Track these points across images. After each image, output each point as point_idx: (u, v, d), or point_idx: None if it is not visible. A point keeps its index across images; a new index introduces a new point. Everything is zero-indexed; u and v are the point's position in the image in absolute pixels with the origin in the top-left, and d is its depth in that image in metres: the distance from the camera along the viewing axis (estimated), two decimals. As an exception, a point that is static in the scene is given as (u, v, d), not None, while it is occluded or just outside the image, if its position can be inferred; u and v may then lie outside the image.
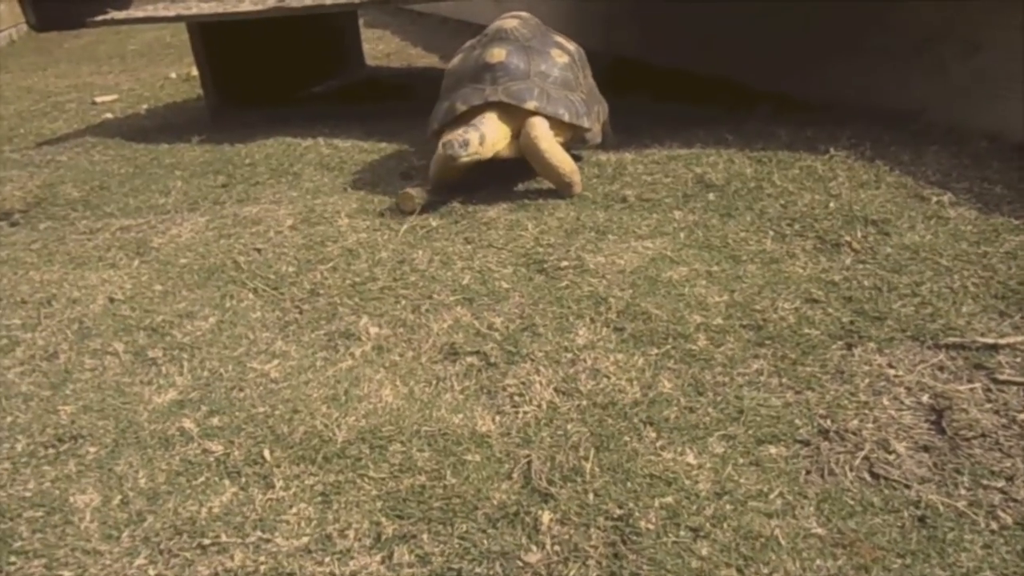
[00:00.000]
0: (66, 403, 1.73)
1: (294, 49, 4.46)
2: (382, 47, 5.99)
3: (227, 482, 1.44)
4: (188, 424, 1.60)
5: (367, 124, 3.62)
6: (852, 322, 1.78)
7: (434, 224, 2.46)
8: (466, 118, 2.57)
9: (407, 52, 5.80)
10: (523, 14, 2.84)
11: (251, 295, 2.14)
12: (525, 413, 1.56)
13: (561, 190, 2.56)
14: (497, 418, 1.56)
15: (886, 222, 2.20)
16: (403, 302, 2.03)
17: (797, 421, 1.51)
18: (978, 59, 2.75)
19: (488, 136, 2.49)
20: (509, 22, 2.76)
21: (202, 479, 1.46)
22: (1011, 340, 1.68)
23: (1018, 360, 1.63)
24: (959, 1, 2.78)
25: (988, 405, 1.52)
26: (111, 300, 2.17)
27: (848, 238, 2.13)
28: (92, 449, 1.57)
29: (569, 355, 1.73)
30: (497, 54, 2.63)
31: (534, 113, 2.55)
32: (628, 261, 2.10)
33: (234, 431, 1.57)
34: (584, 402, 1.58)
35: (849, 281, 1.94)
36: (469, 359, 1.77)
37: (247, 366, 1.80)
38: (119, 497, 1.43)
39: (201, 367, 1.82)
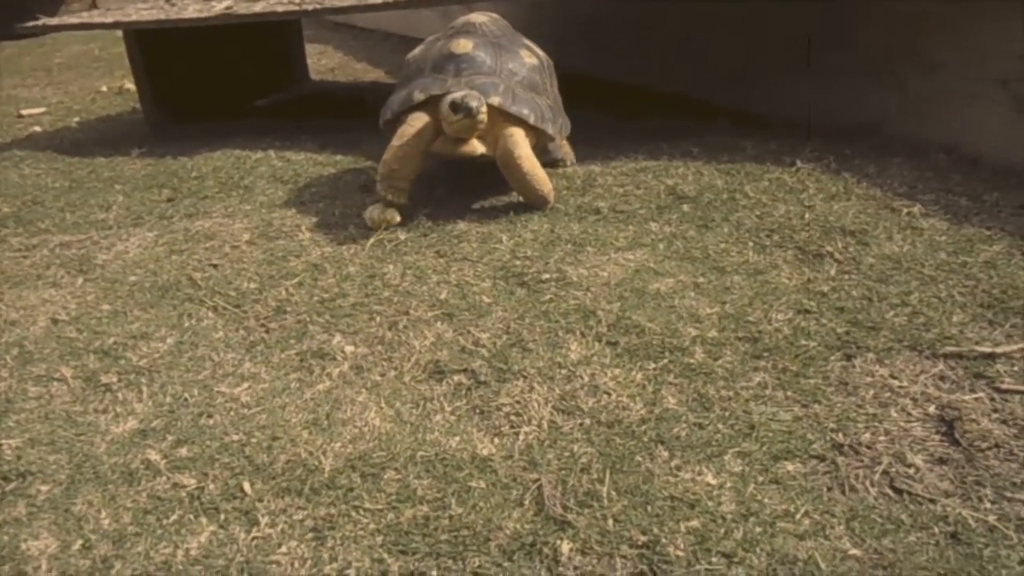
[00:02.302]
0: (10, 436, 1.54)
1: (236, 61, 4.28)
2: (325, 62, 5.82)
3: (204, 520, 1.29)
4: (153, 456, 1.44)
5: (319, 137, 3.47)
6: (847, 332, 1.73)
7: (402, 238, 2.33)
8: (423, 107, 2.41)
9: (351, 67, 5.65)
10: (492, 13, 2.71)
11: (211, 313, 1.98)
12: (526, 434, 1.45)
13: (534, 204, 2.46)
14: (496, 440, 1.45)
15: (863, 233, 2.17)
16: (378, 319, 1.90)
17: (809, 435, 1.44)
18: (937, 77, 2.77)
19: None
20: (478, 17, 2.61)
21: (174, 517, 1.30)
22: (1006, 349, 1.65)
23: (1016, 369, 1.60)
24: (919, 23, 2.80)
25: (996, 415, 1.48)
26: (54, 321, 1.98)
27: (829, 249, 2.09)
28: (44, 488, 1.40)
29: (564, 371, 1.63)
30: (463, 45, 2.47)
31: (503, 113, 2.36)
32: (611, 273, 2.01)
33: (207, 462, 1.42)
34: (587, 420, 1.48)
35: (837, 291, 1.89)
36: (456, 377, 1.65)
37: (214, 390, 1.65)
38: (79, 542, 1.27)
39: (162, 392, 1.65)
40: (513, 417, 1.50)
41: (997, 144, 2.63)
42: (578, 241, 2.22)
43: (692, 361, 1.65)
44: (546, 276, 2.01)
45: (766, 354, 1.67)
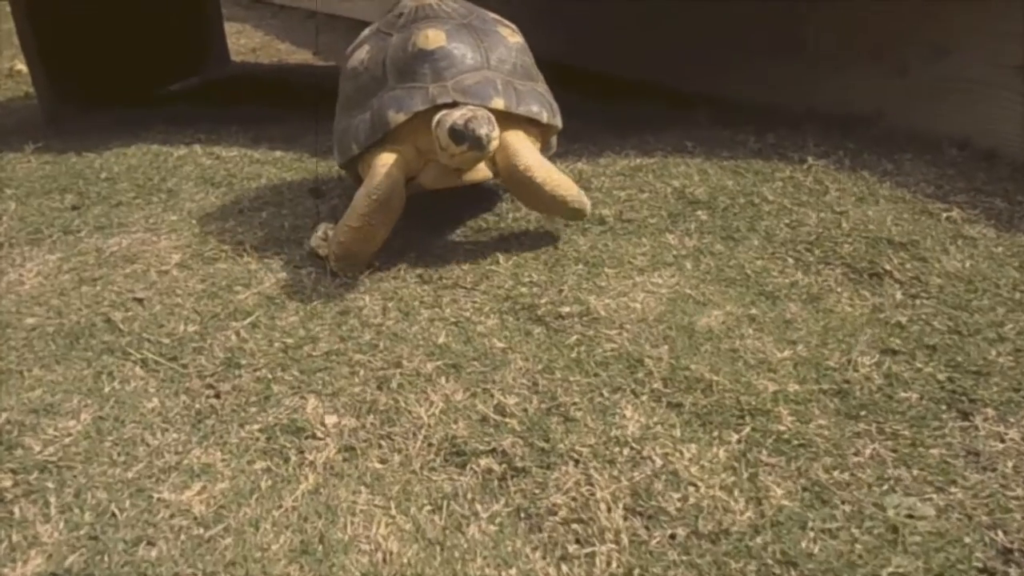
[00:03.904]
0: None
1: (147, 40, 3.65)
2: (244, 41, 5.19)
3: None
4: (71, 620, 0.96)
5: (251, 128, 2.93)
6: (950, 380, 1.37)
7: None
8: (400, 132, 1.77)
9: (275, 47, 5.05)
10: None
11: (139, 370, 1.48)
12: (604, 558, 1.03)
13: (568, 217, 1.91)
14: (564, 569, 1.02)
15: (913, 245, 1.83)
16: (362, 372, 1.44)
17: (966, 538, 1.07)
18: (945, 63, 2.45)
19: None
20: None
21: None
22: None
23: None
24: (927, 3, 2.47)
25: None
26: (-77, 388, 1.44)
27: (886, 266, 1.74)
28: None
29: (625, 450, 1.22)
30: (433, 37, 1.81)
31: (502, 114, 1.74)
32: (644, 304, 1.60)
33: (152, 629, 0.94)
34: (680, 530, 1.07)
35: (916, 322, 1.54)
36: (484, 462, 1.22)
37: (154, 497, 1.16)
38: None
39: (79, 504, 1.16)
40: (576, 527, 1.08)
41: (1015, 137, 2.33)
42: (589, 260, 1.80)
43: (782, 428, 1.26)
44: (565, 309, 1.59)
45: (864, 413, 1.30)
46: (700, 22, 3.18)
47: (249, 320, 1.61)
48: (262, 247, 1.95)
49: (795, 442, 1.23)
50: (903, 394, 1.34)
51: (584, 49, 3.88)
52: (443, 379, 1.41)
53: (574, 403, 1.32)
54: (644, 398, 1.33)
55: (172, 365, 1.49)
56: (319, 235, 1.88)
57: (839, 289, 1.68)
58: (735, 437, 1.24)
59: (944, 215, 1.99)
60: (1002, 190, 2.13)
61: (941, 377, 1.38)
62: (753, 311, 1.58)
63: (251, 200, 2.28)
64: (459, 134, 1.60)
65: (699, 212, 2.04)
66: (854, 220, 1.96)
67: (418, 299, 1.68)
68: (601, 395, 1.34)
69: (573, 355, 1.45)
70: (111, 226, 2.15)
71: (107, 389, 1.42)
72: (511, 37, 1.96)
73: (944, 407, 1.31)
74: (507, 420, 1.29)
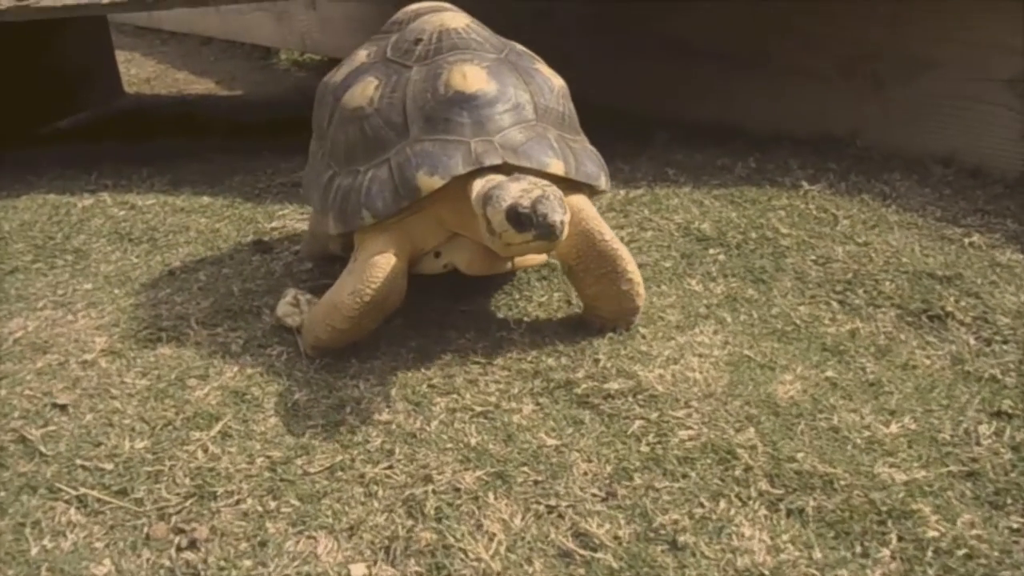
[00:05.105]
0: None
1: (28, 73, 3.13)
2: (135, 71, 4.64)
3: None
4: None
5: (166, 170, 2.49)
6: (1081, 446, 1.15)
7: (356, 328, 1.50)
8: (432, 199, 1.33)
9: (171, 77, 4.53)
10: (445, 3, 1.59)
11: (76, 514, 1.08)
12: None
13: (623, 316, 1.44)
14: None
15: (958, 279, 1.63)
16: (381, 493, 1.10)
17: None
18: (924, 78, 2.31)
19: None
20: (451, 18, 1.48)
21: None
22: None
23: None
24: (904, 15, 2.33)
25: None
26: None
27: (943, 306, 1.53)
28: None
29: (761, 585, 0.93)
30: (472, 77, 1.36)
31: (561, 180, 1.32)
32: (704, 373, 1.32)
33: None
34: None
35: (1009, 374, 1.32)
36: (583, 621, 0.90)
37: None
38: None
39: None
40: None
41: (1004, 153, 2.20)
42: (615, 317, 1.51)
43: (934, 535, 1.00)
44: (613, 386, 1.29)
45: (1010, 503, 1.06)
46: (649, 34, 2.96)
47: (217, 428, 1.23)
48: (211, 321, 1.56)
49: (957, 552, 0.98)
50: (1039, 470, 1.11)
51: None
52: (491, 496, 1.08)
53: (674, 522, 1.02)
54: (756, 505, 1.04)
55: (122, 503, 1.09)
56: (287, 301, 1.52)
57: (903, 336, 1.46)
58: (886, 553, 0.97)
59: (965, 240, 1.82)
60: (1006, 209, 2.00)
61: (1070, 444, 1.16)
62: (829, 373, 1.33)
63: (183, 260, 1.87)
64: (523, 219, 1.17)
65: (713, 250, 1.79)
66: (881, 252, 1.76)
67: (426, 382, 1.34)
68: (701, 505, 1.05)
69: (645, 449, 1.15)
70: (7, 301, 1.71)
71: (34, 551, 1.01)
72: (554, 79, 1.50)
73: (1090, 482, 1.09)
74: (598, 555, 0.97)
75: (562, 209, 1.17)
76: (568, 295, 1.60)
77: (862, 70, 2.44)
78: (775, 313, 1.53)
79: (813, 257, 1.74)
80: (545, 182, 1.21)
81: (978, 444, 1.16)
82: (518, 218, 1.17)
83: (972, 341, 1.43)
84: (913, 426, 1.19)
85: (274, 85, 4.27)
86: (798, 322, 1.50)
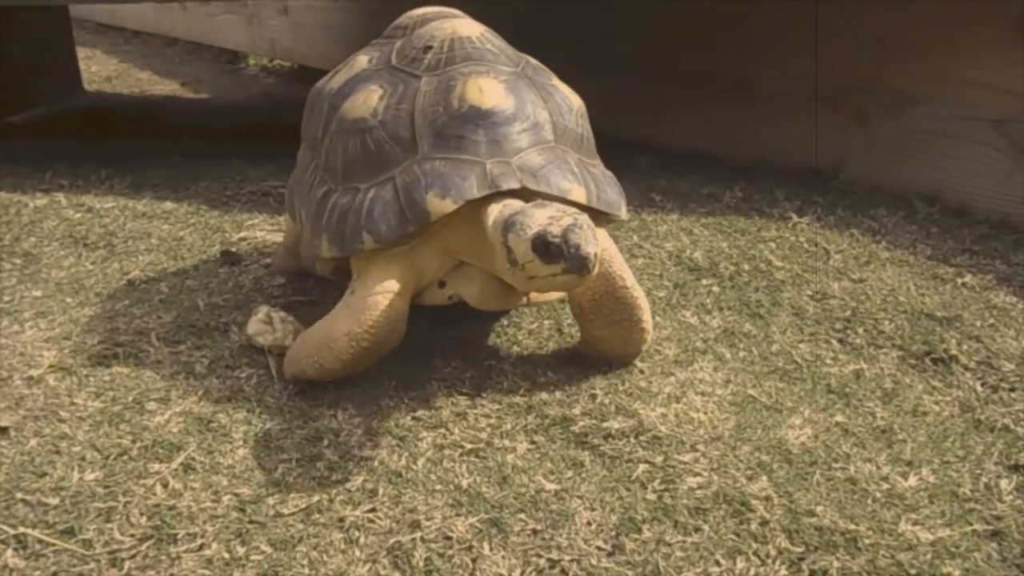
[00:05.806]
0: None
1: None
2: (96, 69, 4.44)
3: None
4: None
5: (126, 172, 2.33)
6: (1103, 503, 1.09)
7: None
8: (439, 224, 1.21)
9: (134, 76, 4.34)
10: (453, 9, 1.45)
11: (14, 558, 0.94)
12: None
13: (627, 355, 1.36)
14: None
15: (957, 320, 1.58)
16: (363, 540, 0.98)
17: None
18: (911, 113, 2.29)
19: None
20: (463, 25, 1.35)
21: None
22: None
23: None
24: (892, 50, 2.30)
25: None
26: None
27: (945, 348, 1.47)
28: None
29: (789, 661, 0.83)
30: (489, 91, 1.24)
31: (581, 208, 1.18)
32: (708, 413, 1.24)
33: None
34: None
35: (1022, 423, 1.26)
36: None
37: None
38: None
39: None
40: None
41: (989, 194, 2.18)
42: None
43: (966, 601, 0.92)
44: (612, 425, 1.19)
45: (1039, 564, 0.99)
46: (630, 60, 2.90)
47: (178, 460, 1.10)
48: (173, 338, 1.43)
49: (991, 622, 0.90)
50: (1065, 530, 1.04)
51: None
52: (486, 546, 0.97)
53: (688, 581, 0.92)
54: (776, 564, 0.95)
55: (67, 545, 0.96)
56: (259, 318, 1.39)
57: (908, 380, 1.39)
58: (917, 623, 0.89)
59: (958, 280, 1.78)
60: (994, 250, 1.97)
61: (1093, 501, 1.10)
62: (838, 418, 1.25)
63: (143, 269, 1.73)
64: (553, 249, 1.02)
65: (706, 281, 1.72)
66: (877, 289, 1.70)
67: (410, 414, 1.23)
68: (717, 564, 0.95)
69: (652, 497, 1.05)
70: (-55, 307, 1.55)
71: (-38, 603, 0.87)
72: (572, 97, 1.37)
73: (1117, 544, 1.03)
74: (607, 620, 0.87)
75: (595, 240, 1.03)
76: (559, 323, 1.50)
77: (847, 103, 2.42)
78: (775, 350, 1.46)
79: (809, 292, 1.68)
80: (574, 210, 1.09)
81: (1000, 500, 1.09)
82: (547, 248, 1.03)
83: (979, 387, 1.37)
84: (932, 479, 1.12)
85: (242, 90, 4.12)
86: (799, 361, 1.43)
